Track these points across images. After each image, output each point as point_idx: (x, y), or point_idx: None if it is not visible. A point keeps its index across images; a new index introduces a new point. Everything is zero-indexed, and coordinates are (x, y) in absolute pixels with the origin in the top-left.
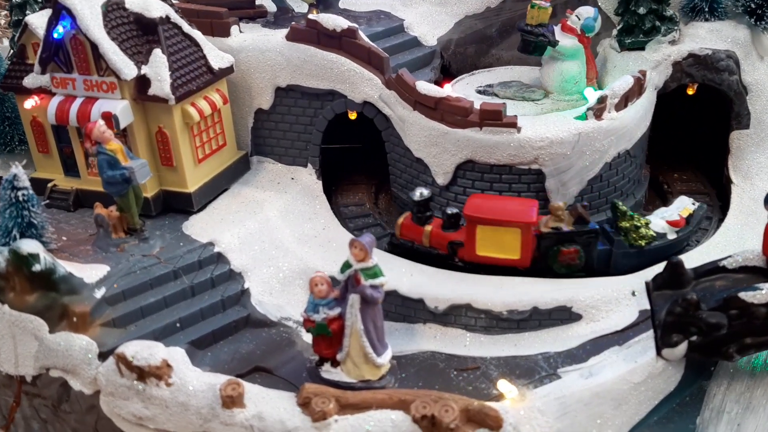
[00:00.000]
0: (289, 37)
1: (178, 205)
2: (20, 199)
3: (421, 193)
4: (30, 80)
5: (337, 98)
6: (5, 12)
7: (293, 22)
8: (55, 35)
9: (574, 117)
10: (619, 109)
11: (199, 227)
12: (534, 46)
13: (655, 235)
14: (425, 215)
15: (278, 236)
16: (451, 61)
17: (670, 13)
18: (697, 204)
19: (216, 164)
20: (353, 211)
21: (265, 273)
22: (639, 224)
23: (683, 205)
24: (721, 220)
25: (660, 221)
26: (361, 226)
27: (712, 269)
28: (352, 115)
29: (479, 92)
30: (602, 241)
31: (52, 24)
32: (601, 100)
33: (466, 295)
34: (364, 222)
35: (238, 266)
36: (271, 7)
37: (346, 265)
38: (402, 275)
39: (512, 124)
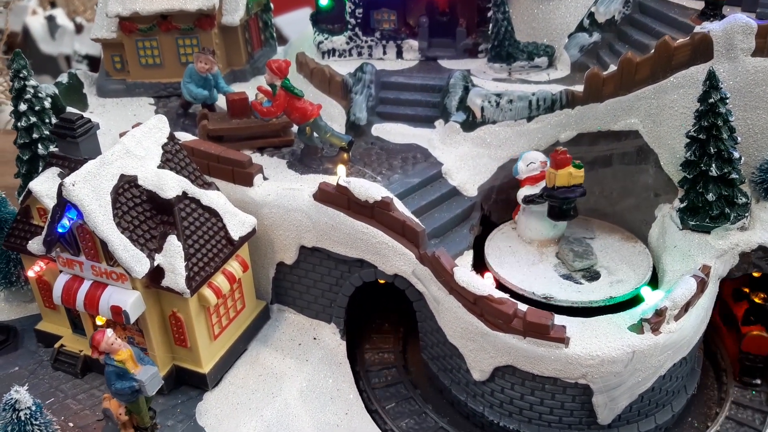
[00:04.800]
0: (317, 198)
1: (191, 382)
2: (22, 418)
3: None
4: (35, 246)
5: (366, 267)
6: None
7: (322, 182)
8: (60, 230)
9: (628, 327)
10: (678, 317)
11: (213, 415)
12: (559, 211)
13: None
14: None
15: (297, 427)
16: (491, 210)
17: (742, 201)
18: None
19: (233, 330)
20: (379, 378)
21: None
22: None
23: None
24: None
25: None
26: (388, 397)
27: None
28: (381, 281)
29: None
30: None
31: (56, 214)
32: (660, 313)
33: None
34: (391, 392)
35: None
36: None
37: None
38: None
39: (560, 339)
